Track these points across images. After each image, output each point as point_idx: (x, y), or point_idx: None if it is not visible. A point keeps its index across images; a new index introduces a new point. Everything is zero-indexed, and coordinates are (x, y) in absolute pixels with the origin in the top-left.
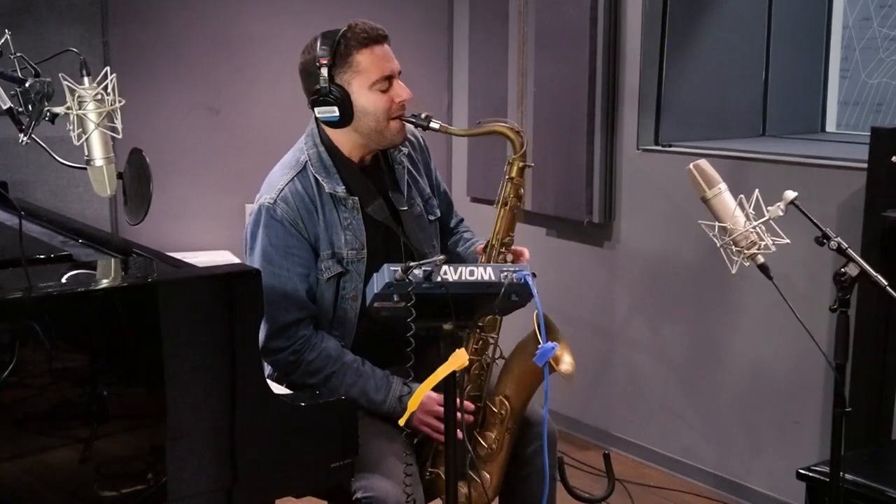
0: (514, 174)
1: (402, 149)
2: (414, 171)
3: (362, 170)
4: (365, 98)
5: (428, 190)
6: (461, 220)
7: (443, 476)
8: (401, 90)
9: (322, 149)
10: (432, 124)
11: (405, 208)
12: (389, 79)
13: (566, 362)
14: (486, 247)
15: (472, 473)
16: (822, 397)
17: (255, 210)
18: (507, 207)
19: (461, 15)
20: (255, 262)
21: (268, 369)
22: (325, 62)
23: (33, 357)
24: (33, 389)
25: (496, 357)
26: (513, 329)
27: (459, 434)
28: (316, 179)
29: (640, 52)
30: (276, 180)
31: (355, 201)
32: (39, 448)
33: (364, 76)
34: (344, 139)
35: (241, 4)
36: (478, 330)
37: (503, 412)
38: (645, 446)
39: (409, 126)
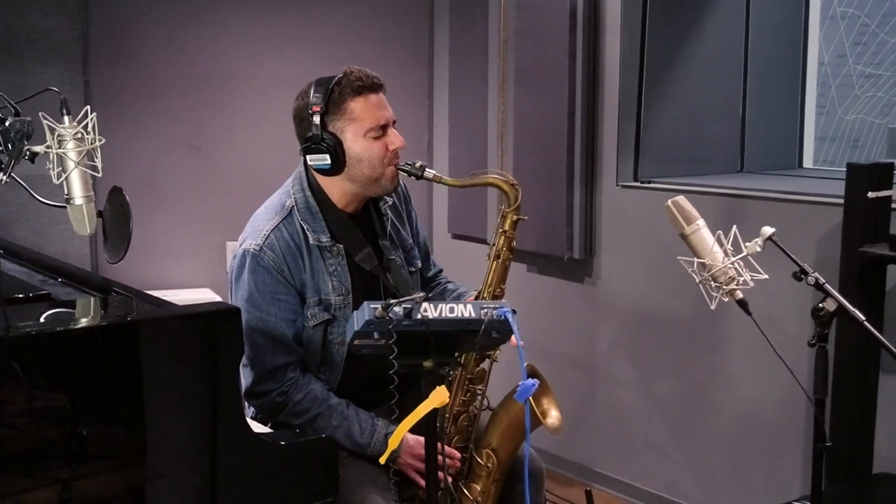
0: (507, 227)
1: (388, 199)
2: (397, 223)
3: (351, 217)
4: (359, 145)
5: (410, 240)
6: (440, 271)
7: None
8: (395, 138)
9: (310, 194)
10: (426, 174)
11: (393, 257)
12: (384, 127)
13: (553, 416)
14: (476, 298)
15: None
16: (804, 432)
17: (239, 255)
18: (500, 260)
19: (441, 52)
20: (241, 305)
21: (251, 411)
22: (317, 109)
23: (12, 397)
24: (12, 430)
25: (483, 408)
26: (501, 380)
27: (441, 476)
28: (302, 227)
29: (619, 89)
30: (261, 224)
31: (340, 248)
32: (19, 489)
33: (358, 124)
34: (334, 187)
35: (222, 43)
36: (466, 381)
37: (490, 465)
38: (628, 482)
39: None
